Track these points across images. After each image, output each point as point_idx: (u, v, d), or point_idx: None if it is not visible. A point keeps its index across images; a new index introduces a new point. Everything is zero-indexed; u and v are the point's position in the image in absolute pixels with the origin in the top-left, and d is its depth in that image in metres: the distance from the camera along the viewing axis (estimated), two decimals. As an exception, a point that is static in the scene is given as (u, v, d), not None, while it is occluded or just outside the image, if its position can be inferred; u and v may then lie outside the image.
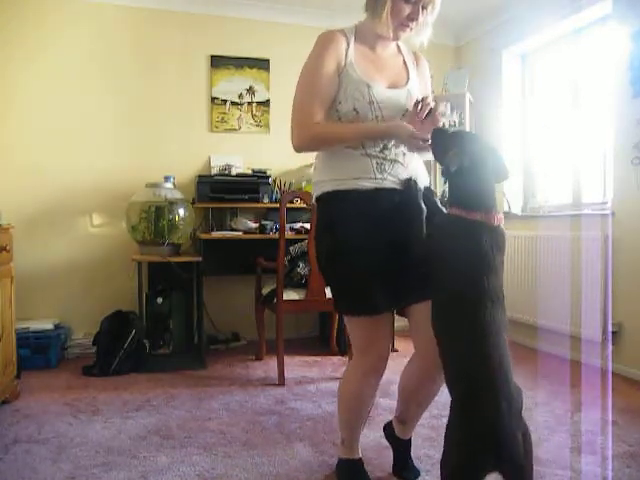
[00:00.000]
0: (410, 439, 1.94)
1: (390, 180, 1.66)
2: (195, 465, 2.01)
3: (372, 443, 2.16)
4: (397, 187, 1.66)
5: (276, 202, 3.68)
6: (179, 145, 3.96)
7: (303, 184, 4.04)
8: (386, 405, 2.57)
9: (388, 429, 1.98)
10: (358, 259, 1.64)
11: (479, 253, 1.43)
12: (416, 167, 1.75)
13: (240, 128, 4.11)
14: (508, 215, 3.81)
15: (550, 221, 3.70)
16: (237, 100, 4.09)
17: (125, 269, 3.66)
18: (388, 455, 1.99)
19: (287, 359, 3.22)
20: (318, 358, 3.59)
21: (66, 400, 2.73)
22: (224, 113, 4.07)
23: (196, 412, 2.57)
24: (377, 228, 1.63)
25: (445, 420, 1.44)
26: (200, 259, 3.42)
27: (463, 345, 1.40)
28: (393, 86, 1.70)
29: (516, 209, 4.04)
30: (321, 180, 1.73)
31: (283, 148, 3.47)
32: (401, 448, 1.94)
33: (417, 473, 1.91)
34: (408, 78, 1.75)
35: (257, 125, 4.14)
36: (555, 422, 2.41)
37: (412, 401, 1.84)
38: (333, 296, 1.78)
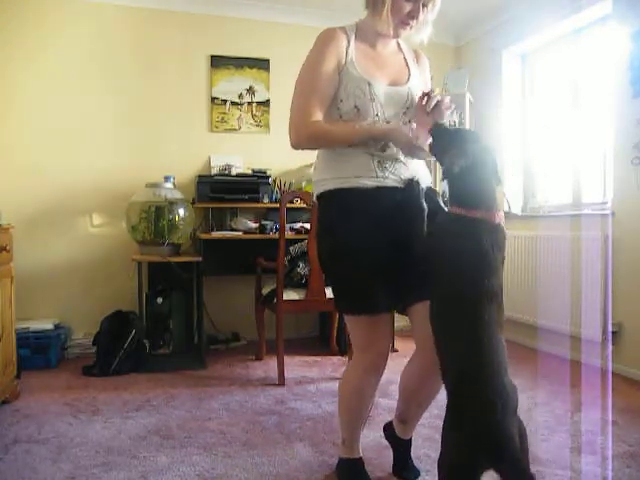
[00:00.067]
0: (410, 439, 1.94)
1: (392, 178, 1.65)
2: (195, 465, 2.01)
3: (372, 443, 2.16)
4: (399, 185, 1.66)
5: (276, 202, 3.68)
6: (179, 145, 3.96)
7: (303, 184, 4.04)
8: (386, 405, 2.57)
9: (388, 429, 1.98)
10: (359, 258, 1.64)
11: (480, 252, 1.42)
12: (417, 165, 1.74)
13: (240, 128, 4.11)
14: (508, 215, 3.79)
15: (550, 221, 3.70)
16: (237, 100, 4.09)
17: (125, 269, 3.66)
18: (388, 455, 1.99)
19: (287, 359, 3.22)
20: (318, 358, 3.59)
21: (66, 400, 2.73)
22: (224, 113, 4.07)
23: (196, 412, 2.57)
24: (378, 227, 1.63)
25: (445, 420, 1.44)
26: (200, 259, 3.42)
27: (461, 345, 1.40)
28: (394, 83, 1.70)
29: (516, 209, 4.04)
30: (322, 178, 1.72)
31: (283, 148, 3.44)
32: (401, 448, 1.94)
33: (417, 473, 1.91)
34: (409, 75, 1.75)
35: (257, 125, 4.14)
36: (555, 422, 2.41)
37: (413, 400, 1.84)
38: (334, 294, 1.78)
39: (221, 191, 3.71)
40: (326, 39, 1.65)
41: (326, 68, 1.62)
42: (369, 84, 1.64)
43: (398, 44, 1.80)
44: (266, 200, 3.80)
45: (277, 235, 3.07)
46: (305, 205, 3.55)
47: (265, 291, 3.30)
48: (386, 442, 2.01)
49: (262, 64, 4.12)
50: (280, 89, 4.05)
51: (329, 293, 3.06)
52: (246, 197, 3.76)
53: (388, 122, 1.67)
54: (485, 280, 1.41)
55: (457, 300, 1.43)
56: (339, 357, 3.59)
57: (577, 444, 2.18)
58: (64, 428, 2.36)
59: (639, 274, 3.01)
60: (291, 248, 3.28)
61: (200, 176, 3.79)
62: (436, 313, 1.49)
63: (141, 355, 3.30)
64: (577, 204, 3.62)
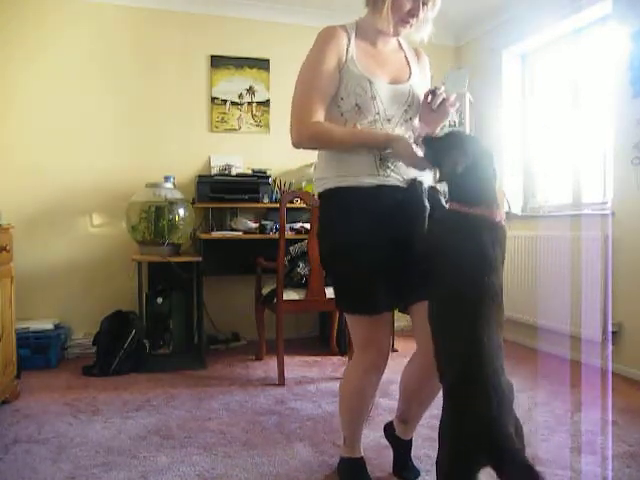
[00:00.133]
0: (411, 439, 1.94)
1: (393, 177, 1.65)
2: (195, 465, 2.01)
3: (372, 443, 2.16)
4: (400, 184, 1.65)
5: (276, 202, 3.68)
6: (179, 145, 3.96)
7: (303, 184, 4.04)
8: (386, 405, 2.57)
9: (389, 429, 1.98)
10: (359, 257, 1.64)
11: (479, 248, 1.42)
12: None
13: (240, 128, 4.11)
14: (508, 215, 3.81)
15: (550, 221, 3.70)
16: (237, 100, 4.09)
17: (125, 269, 3.66)
18: (388, 455, 1.99)
19: (287, 359, 3.22)
20: (318, 358, 3.59)
21: (66, 400, 2.73)
22: (224, 113, 4.07)
23: (196, 412, 2.57)
24: (379, 225, 1.63)
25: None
26: (200, 259, 3.42)
27: (461, 345, 1.39)
28: (395, 81, 1.70)
29: (516, 209, 4.04)
30: (323, 177, 1.72)
31: (283, 148, 3.46)
32: (402, 448, 1.94)
33: (417, 473, 1.91)
34: (410, 73, 1.74)
35: (257, 125, 4.14)
36: (555, 422, 2.41)
37: (414, 400, 1.84)
38: (334, 293, 1.78)
39: (221, 191, 3.71)
40: (327, 37, 1.65)
41: (327, 66, 1.62)
42: (370, 82, 1.63)
43: (399, 42, 1.80)
44: (266, 200, 3.80)
45: (277, 235, 3.07)
46: (305, 205, 3.55)
47: (265, 291, 3.30)
48: (386, 442, 2.01)
49: (262, 64, 4.12)
50: (280, 89, 4.05)
51: (329, 293, 3.06)
52: (246, 197, 3.76)
53: (389, 120, 1.67)
54: (485, 278, 1.41)
55: (457, 299, 1.42)
56: (339, 357, 3.59)
57: (577, 444, 2.18)
58: (64, 428, 2.36)
59: (639, 274, 3.01)
60: (291, 248, 3.28)
61: (200, 176, 3.79)
62: (437, 311, 1.49)
63: (141, 355, 3.30)
64: (577, 204, 3.62)
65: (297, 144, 1.66)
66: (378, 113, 1.65)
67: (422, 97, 1.72)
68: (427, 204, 1.66)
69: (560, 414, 2.51)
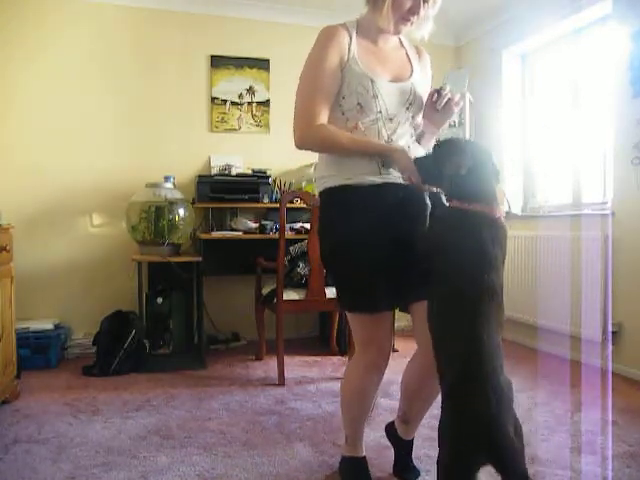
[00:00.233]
0: (412, 440, 1.93)
1: (394, 175, 1.65)
2: (195, 465, 2.01)
3: (372, 443, 2.16)
4: (401, 182, 1.64)
5: (276, 202, 3.68)
6: (179, 145, 3.96)
7: (303, 184, 4.04)
8: (386, 405, 2.57)
9: (390, 429, 1.98)
10: (360, 255, 1.64)
11: (479, 244, 1.42)
12: None
13: (240, 128, 4.11)
14: (508, 215, 3.81)
15: (550, 221, 3.70)
16: (237, 100, 4.09)
17: (125, 269, 3.66)
18: (388, 455, 2.00)
19: (287, 359, 3.22)
20: (318, 358, 3.59)
21: (66, 400, 2.73)
22: (224, 113, 4.07)
23: (196, 412, 2.57)
24: (380, 223, 1.63)
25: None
26: (200, 259, 3.42)
27: (461, 344, 1.39)
28: (397, 79, 1.69)
29: (516, 209, 4.04)
30: (324, 175, 1.72)
31: (283, 148, 3.48)
32: (403, 449, 1.93)
33: (417, 473, 1.91)
34: (412, 71, 1.74)
35: (257, 125, 4.14)
36: (555, 422, 2.41)
37: (415, 400, 1.84)
38: (336, 292, 1.78)
39: (221, 191, 3.71)
40: (328, 36, 1.64)
41: (329, 65, 1.61)
42: (372, 80, 1.63)
43: (400, 40, 1.79)
44: (266, 200, 3.80)
45: (277, 235, 3.07)
46: (305, 205, 3.55)
47: (265, 291, 3.30)
48: (386, 442, 2.01)
49: (262, 64, 4.12)
50: (280, 89, 4.05)
51: (329, 293, 3.06)
52: (246, 197, 3.76)
53: (391, 119, 1.66)
54: (485, 275, 1.41)
55: (457, 296, 1.42)
56: (339, 357, 3.59)
57: (577, 444, 2.18)
58: (64, 428, 2.36)
59: (639, 274, 3.01)
60: (291, 248, 3.28)
61: (200, 176, 3.79)
62: (435, 311, 1.49)
63: (141, 355, 3.30)
64: (577, 204, 3.62)
65: (300, 146, 1.67)
66: (380, 112, 1.64)
67: (424, 95, 1.72)
68: (428, 202, 1.66)
69: (560, 414, 2.51)
